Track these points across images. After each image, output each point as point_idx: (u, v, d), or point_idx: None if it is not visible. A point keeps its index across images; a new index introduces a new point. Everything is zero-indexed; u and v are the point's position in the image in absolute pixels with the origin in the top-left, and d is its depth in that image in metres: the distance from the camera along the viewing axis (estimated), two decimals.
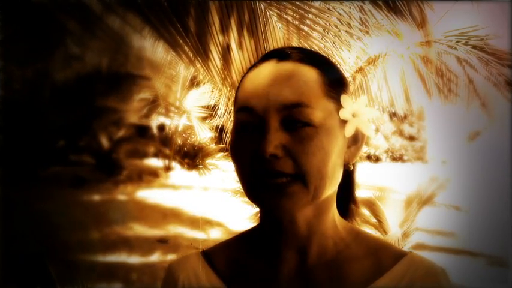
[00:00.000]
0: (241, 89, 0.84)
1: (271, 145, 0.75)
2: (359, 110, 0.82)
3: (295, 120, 0.77)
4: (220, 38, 2.46)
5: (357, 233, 0.87)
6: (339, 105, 0.81)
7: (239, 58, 2.48)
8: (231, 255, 0.90)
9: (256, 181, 0.78)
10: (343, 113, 0.81)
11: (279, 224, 0.83)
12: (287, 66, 0.81)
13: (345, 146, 0.83)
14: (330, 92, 0.81)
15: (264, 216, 0.88)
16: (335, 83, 0.82)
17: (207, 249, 0.93)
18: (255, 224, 0.92)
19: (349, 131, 0.82)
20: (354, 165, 0.88)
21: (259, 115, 0.78)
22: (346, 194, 0.91)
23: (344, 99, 0.81)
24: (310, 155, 0.77)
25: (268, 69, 0.82)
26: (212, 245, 0.94)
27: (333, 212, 0.86)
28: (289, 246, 0.84)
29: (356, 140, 0.85)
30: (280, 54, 0.84)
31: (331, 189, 0.82)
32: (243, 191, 0.82)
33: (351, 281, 0.81)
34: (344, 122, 0.82)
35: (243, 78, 0.86)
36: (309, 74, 0.80)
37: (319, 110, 0.78)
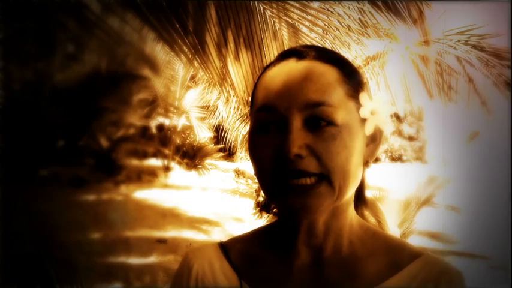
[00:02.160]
0: (260, 88, 0.83)
1: (296, 145, 0.75)
2: (377, 108, 0.82)
3: (318, 119, 0.77)
4: (219, 38, 2.46)
5: (373, 232, 0.88)
6: (358, 104, 0.81)
7: (238, 58, 2.48)
8: (246, 249, 0.91)
9: (279, 182, 0.78)
10: (363, 112, 0.81)
11: (296, 224, 0.83)
12: (307, 64, 0.81)
13: (365, 144, 0.83)
14: (349, 91, 0.81)
15: (282, 215, 0.88)
16: (354, 82, 0.83)
17: (224, 241, 0.94)
18: (273, 221, 0.93)
19: (369, 129, 0.82)
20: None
21: (281, 114, 0.78)
22: (356, 194, 0.91)
23: (363, 97, 0.81)
24: (334, 154, 0.77)
25: (288, 68, 0.81)
26: (230, 238, 0.95)
27: (351, 212, 0.86)
28: (305, 243, 0.84)
29: (374, 137, 0.85)
30: (298, 53, 0.83)
31: (353, 188, 0.83)
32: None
33: (364, 278, 0.82)
34: (363, 120, 0.82)
35: (260, 77, 0.86)
36: (330, 73, 0.81)
37: (341, 109, 0.78)
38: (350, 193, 0.82)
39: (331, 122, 0.77)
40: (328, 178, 0.77)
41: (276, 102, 0.78)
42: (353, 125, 0.80)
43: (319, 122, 0.77)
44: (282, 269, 0.85)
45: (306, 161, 0.76)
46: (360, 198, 0.94)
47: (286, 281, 0.84)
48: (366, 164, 0.85)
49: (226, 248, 0.92)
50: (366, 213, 0.98)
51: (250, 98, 0.88)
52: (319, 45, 2.71)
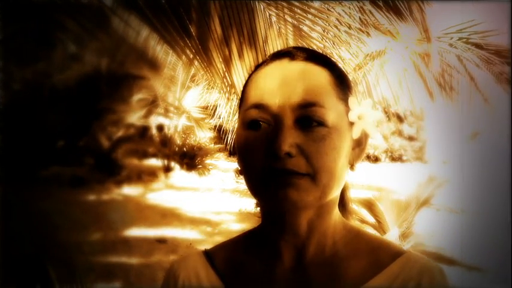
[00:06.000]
0: (252, 86, 0.85)
1: (286, 143, 0.76)
2: (365, 112, 0.84)
3: (310, 119, 0.78)
4: (220, 38, 2.46)
5: (357, 232, 0.88)
6: (347, 107, 0.83)
7: (239, 58, 2.49)
8: (230, 255, 0.91)
9: (266, 178, 0.78)
10: (352, 115, 0.83)
11: (280, 222, 0.83)
12: (301, 65, 0.82)
13: (351, 147, 0.84)
14: (340, 94, 0.83)
15: (266, 214, 0.88)
16: (343, 85, 0.84)
17: (208, 248, 0.94)
18: (256, 225, 0.92)
19: (356, 133, 0.83)
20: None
21: (273, 113, 0.79)
22: (341, 195, 0.92)
23: (352, 101, 0.83)
24: (323, 155, 0.78)
25: (282, 68, 0.83)
26: (214, 245, 0.95)
27: (335, 213, 0.87)
28: (288, 245, 0.84)
29: (360, 142, 0.86)
30: (291, 53, 0.85)
31: (338, 190, 0.83)
32: (246, 187, 0.83)
33: (347, 279, 0.82)
34: (351, 124, 0.83)
35: (251, 75, 0.87)
36: (323, 75, 0.82)
37: (332, 111, 0.80)
38: (334, 194, 0.83)
39: (322, 123, 0.78)
40: (313, 176, 0.77)
41: (269, 100, 0.80)
42: (342, 128, 0.81)
43: (311, 122, 0.78)
44: (266, 272, 0.85)
45: (295, 160, 0.77)
46: (344, 200, 0.94)
47: (271, 284, 0.84)
48: (351, 167, 0.86)
49: (210, 255, 0.92)
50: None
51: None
52: (320, 44, 2.72)
